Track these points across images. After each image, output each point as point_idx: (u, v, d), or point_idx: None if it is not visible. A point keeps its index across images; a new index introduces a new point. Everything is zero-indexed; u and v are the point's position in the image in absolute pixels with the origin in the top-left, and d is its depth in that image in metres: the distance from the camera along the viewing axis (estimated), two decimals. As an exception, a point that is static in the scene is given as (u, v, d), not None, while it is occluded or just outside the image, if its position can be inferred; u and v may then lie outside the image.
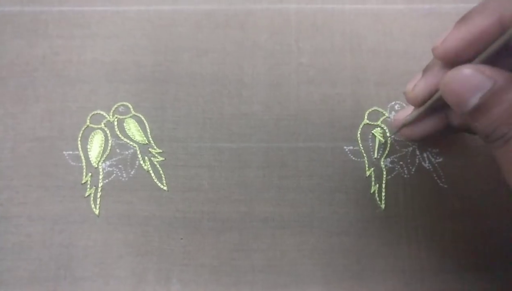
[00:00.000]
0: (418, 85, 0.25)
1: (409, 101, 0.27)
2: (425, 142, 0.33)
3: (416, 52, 0.35)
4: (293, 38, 0.35)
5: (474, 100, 0.20)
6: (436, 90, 0.24)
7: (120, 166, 0.32)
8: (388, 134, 0.33)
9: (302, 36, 0.35)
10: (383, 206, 0.32)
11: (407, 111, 0.29)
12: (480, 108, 0.21)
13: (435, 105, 0.25)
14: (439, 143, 0.33)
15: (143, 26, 0.35)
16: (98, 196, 0.31)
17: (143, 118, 0.33)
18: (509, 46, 0.20)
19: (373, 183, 0.32)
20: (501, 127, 0.20)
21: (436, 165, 0.32)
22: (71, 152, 0.32)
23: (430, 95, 0.25)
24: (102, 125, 0.33)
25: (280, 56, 0.34)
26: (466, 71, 0.21)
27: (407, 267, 0.31)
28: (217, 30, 0.35)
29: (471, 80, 0.20)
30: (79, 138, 0.32)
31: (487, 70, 0.20)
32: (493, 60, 0.21)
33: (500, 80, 0.20)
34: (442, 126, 0.28)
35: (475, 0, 0.34)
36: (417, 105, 0.27)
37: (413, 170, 0.32)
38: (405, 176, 0.32)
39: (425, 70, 0.26)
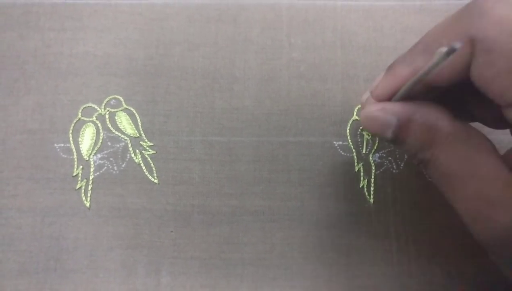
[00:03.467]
0: (379, 86, 0.26)
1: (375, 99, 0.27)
2: None
3: (406, 49, 0.34)
4: (285, 34, 0.35)
5: (388, 134, 0.23)
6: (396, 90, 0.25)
7: (111, 159, 0.32)
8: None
9: (293, 31, 0.35)
10: (372, 200, 0.32)
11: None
12: (396, 141, 0.23)
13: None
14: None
15: (135, 20, 0.35)
16: (89, 188, 0.32)
17: (134, 111, 0.33)
18: (421, 83, 0.21)
19: (362, 177, 0.32)
20: (417, 154, 0.23)
21: (424, 160, 0.33)
22: (62, 145, 0.32)
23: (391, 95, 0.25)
24: (94, 118, 0.33)
25: (272, 51, 0.34)
26: (372, 113, 0.23)
27: (396, 260, 0.31)
28: (209, 24, 0.35)
29: (379, 119, 0.23)
30: (71, 131, 0.32)
31: (390, 107, 0.23)
32: (415, 93, 0.23)
33: (402, 115, 0.22)
34: None
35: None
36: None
37: (401, 165, 0.33)
38: (394, 171, 0.33)
39: (388, 70, 0.26)
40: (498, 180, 0.20)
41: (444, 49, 0.18)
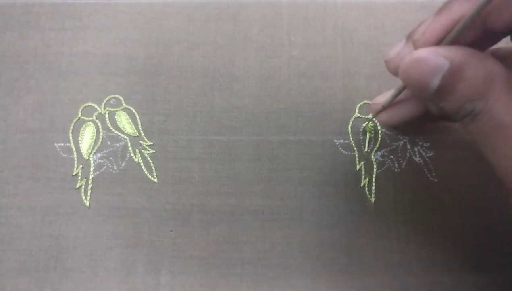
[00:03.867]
0: (401, 53, 0.24)
1: (391, 70, 0.25)
2: (408, 130, 0.32)
3: None
4: (285, 32, 0.35)
5: (435, 82, 0.21)
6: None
7: (111, 158, 0.32)
8: (379, 128, 0.33)
9: (293, 29, 0.35)
10: (373, 199, 0.32)
11: (385, 97, 0.29)
12: (443, 90, 0.21)
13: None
14: (430, 138, 0.33)
15: (135, 19, 0.35)
16: (89, 187, 0.32)
17: (134, 111, 0.33)
18: (488, 30, 0.20)
19: (363, 176, 0.32)
20: (466, 105, 0.20)
21: (426, 159, 0.32)
22: (62, 144, 0.32)
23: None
24: (94, 117, 0.33)
25: (272, 50, 0.34)
26: (421, 55, 0.21)
27: (396, 261, 0.31)
28: (209, 23, 0.35)
29: (428, 63, 0.20)
30: (71, 130, 0.33)
31: (443, 50, 0.20)
32: (466, 40, 0.21)
33: (456, 58, 0.20)
34: (419, 113, 0.27)
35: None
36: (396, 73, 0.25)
37: (403, 164, 0.32)
38: (396, 169, 0.32)
39: (409, 37, 0.25)
40: None
41: None
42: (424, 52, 0.21)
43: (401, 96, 0.27)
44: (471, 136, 0.21)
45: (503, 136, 0.20)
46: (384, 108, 0.28)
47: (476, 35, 0.21)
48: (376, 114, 0.30)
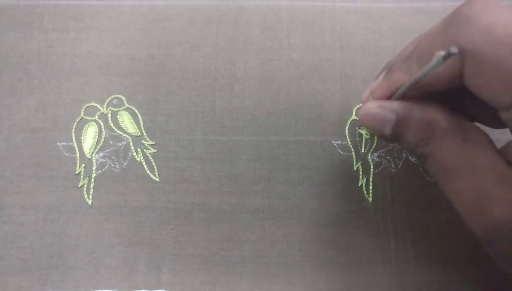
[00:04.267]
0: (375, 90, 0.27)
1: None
2: None
3: None
4: (285, 35, 0.35)
5: (387, 130, 0.24)
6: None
7: (113, 157, 0.33)
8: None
9: (293, 32, 0.35)
10: (370, 199, 0.32)
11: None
12: (394, 137, 0.24)
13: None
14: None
15: (137, 20, 0.35)
16: (91, 186, 0.32)
17: (136, 110, 0.33)
18: (417, 86, 0.22)
19: (360, 176, 0.33)
20: (416, 149, 0.23)
21: (422, 159, 0.33)
22: (65, 143, 0.33)
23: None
24: (96, 117, 0.33)
25: (272, 52, 0.35)
26: (372, 109, 0.24)
27: (394, 259, 0.31)
28: (210, 25, 0.35)
29: (378, 115, 0.24)
30: (73, 130, 0.33)
31: (389, 105, 0.23)
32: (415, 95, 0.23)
33: (401, 111, 0.23)
34: None
35: (462, -1, 0.35)
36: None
37: (399, 164, 0.33)
38: (392, 170, 0.33)
39: (380, 72, 0.27)
40: (494, 173, 0.20)
41: (441, 54, 0.18)
42: (373, 107, 0.24)
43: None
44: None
45: (450, 177, 0.22)
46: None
47: (421, 91, 0.23)
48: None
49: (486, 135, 0.22)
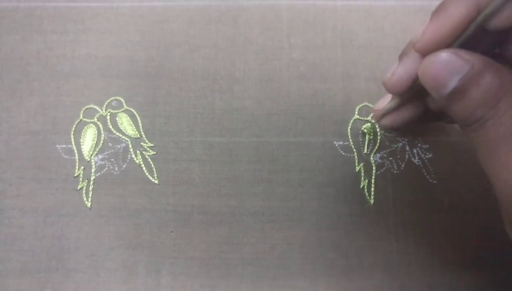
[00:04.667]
0: (396, 73, 0.25)
1: (388, 90, 0.26)
2: (407, 132, 0.33)
3: None
4: (285, 34, 0.35)
5: (452, 83, 0.21)
6: (415, 76, 0.24)
7: (112, 160, 0.33)
8: (378, 130, 0.33)
9: (293, 32, 0.35)
10: (372, 201, 0.32)
11: (386, 100, 0.29)
12: (458, 92, 0.21)
13: (414, 92, 0.25)
14: (429, 139, 0.33)
15: (136, 22, 0.35)
16: (90, 189, 0.32)
17: (135, 112, 0.33)
18: (483, 29, 0.20)
19: (362, 178, 0.32)
20: (477, 110, 0.21)
21: (425, 160, 0.32)
22: (64, 145, 0.33)
23: (409, 82, 0.25)
24: (95, 119, 0.33)
25: (272, 52, 0.34)
26: (445, 55, 0.21)
27: (395, 262, 0.31)
28: (209, 26, 0.35)
29: (450, 64, 0.21)
30: (72, 132, 0.33)
31: (465, 54, 0.21)
32: (471, 44, 0.21)
33: (477, 63, 0.21)
34: (421, 114, 0.28)
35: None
36: (397, 93, 0.26)
37: (402, 165, 0.32)
38: (395, 171, 0.32)
39: (402, 56, 0.26)
40: None
41: None
42: (447, 52, 0.21)
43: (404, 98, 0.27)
44: (473, 143, 0.22)
45: (507, 147, 0.20)
46: (386, 113, 0.29)
47: (479, 35, 0.21)
48: (379, 120, 0.30)
49: None
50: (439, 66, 0.21)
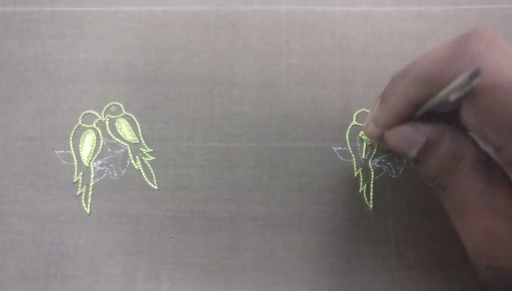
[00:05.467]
0: (369, 127, 0.27)
1: (368, 137, 0.30)
2: None
3: (404, 54, 0.35)
4: (284, 39, 0.35)
5: (413, 153, 0.23)
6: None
7: (111, 165, 0.32)
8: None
9: (292, 37, 0.35)
10: (371, 205, 0.32)
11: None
12: (419, 160, 0.23)
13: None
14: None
15: (135, 27, 0.35)
16: (89, 194, 0.32)
17: (134, 118, 0.33)
18: (441, 103, 0.21)
19: (361, 183, 0.32)
20: (437, 177, 0.22)
21: (424, 165, 0.33)
22: (62, 151, 0.32)
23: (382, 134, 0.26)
24: (94, 125, 0.33)
25: (271, 57, 0.34)
26: (402, 130, 0.23)
27: (395, 266, 0.31)
28: (208, 30, 0.35)
29: (407, 136, 0.23)
30: (71, 138, 0.33)
31: (421, 126, 0.23)
32: (429, 113, 0.23)
33: (432, 134, 0.22)
34: None
35: (463, 2, 0.35)
36: (376, 139, 0.29)
37: (401, 170, 0.33)
38: (393, 176, 0.33)
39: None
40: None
41: (467, 74, 0.18)
42: (405, 127, 0.23)
43: None
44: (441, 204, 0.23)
45: (466, 213, 0.21)
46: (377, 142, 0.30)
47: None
48: (377, 142, 0.31)
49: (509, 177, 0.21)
50: (399, 139, 0.24)
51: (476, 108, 0.19)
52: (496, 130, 0.18)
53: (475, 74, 0.17)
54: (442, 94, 0.20)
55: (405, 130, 0.23)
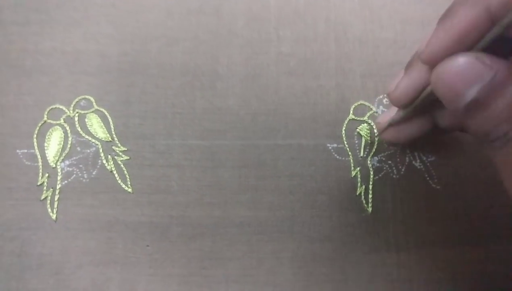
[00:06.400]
0: (401, 84, 0.23)
1: (393, 102, 0.25)
2: (411, 145, 0.30)
3: (406, 41, 0.32)
4: (273, 26, 0.33)
5: (471, 93, 0.18)
6: (422, 89, 0.22)
7: (80, 166, 0.30)
8: (375, 131, 0.30)
9: (282, 23, 0.33)
10: (370, 209, 0.29)
11: (391, 113, 0.27)
12: (477, 103, 0.18)
13: (423, 105, 0.23)
14: (432, 140, 0.30)
15: (108, 12, 0.32)
16: (56, 198, 0.29)
17: (106, 113, 0.31)
18: (505, 34, 0.18)
19: (359, 183, 0.30)
20: (501, 125, 0.18)
21: (428, 164, 0.30)
22: (25, 150, 0.30)
23: (415, 95, 0.23)
24: (61, 121, 0.31)
25: (258, 45, 0.32)
26: (463, 60, 0.18)
27: (396, 276, 0.29)
28: (189, 16, 0.33)
29: (469, 70, 0.18)
30: (35, 135, 0.30)
31: (487, 59, 0.18)
32: (490, 50, 0.18)
33: (502, 70, 0.18)
34: (429, 128, 0.26)
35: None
36: (402, 106, 0.25)
37: (402, 169, 0.30)
38: (394, 176, 0.30)
39: (408, 67, 0.24)
40: None
41: None
42: (466, 57, 0.18)
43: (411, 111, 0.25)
44: (495, 162, 0.19)
45: None
46: (391, 125, 0.27)
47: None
48: (382, 132, 0.28)
49: None
50: (456, 73, 0.19)
51: None
52: None
53: None
54: (507, 20, 0.17)
55: (468, 61, 0.18)
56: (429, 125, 0.26)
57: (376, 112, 0.31)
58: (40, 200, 0.29)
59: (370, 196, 0.30)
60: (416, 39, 0.32)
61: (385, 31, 0.32)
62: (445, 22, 0.20)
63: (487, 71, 0.18)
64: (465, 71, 0.18)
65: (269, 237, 0.29)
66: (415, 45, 0.32)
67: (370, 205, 0.29)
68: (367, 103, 0.31)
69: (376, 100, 0.31)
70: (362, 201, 0.30)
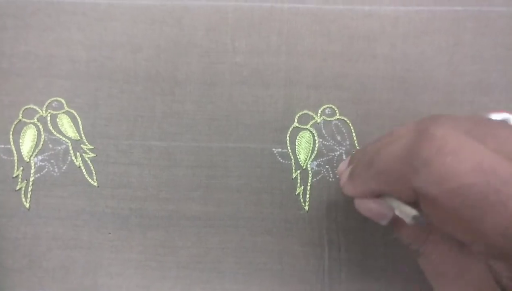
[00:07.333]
0: (342, 179, 0.27)
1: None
2: (345, 141, 0.33)
3: (353, 54, 0.34)
4: (229, 37, 0.34)
5: (384, 223, 0.23)
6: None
7: (52, 161, 0.33)
8: (316, 138, 0.33)
9: (238, 34, 0.34)
10: (306, 207, 0.32)
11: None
12: (392, 227, 0.24)
13: None
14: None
15: (78, 20, 0.34)
16: (29, 189, 0.32)
17: (76, 114, 0.33)
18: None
19: (298, 184, 0.33)
20: (412, 244, 0.23)
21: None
22: (2, 146, 0.33)
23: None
24: (35, 120, 0.33)
25: (216, 55, 0.34)
26: (370, 203, 0.24)
27: (327, 268, 0.32)
28: (153, 26, 0.34)
29: (376, 210, 0.23)
30: (11, 133, 0.33)
31: (388, 200, 0.22)
32: None
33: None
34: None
35: (413, 3, 0.34)
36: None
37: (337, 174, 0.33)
38: (330, 179, 0.33)
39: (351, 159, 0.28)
40: (486, 289, 0.20)
41: (411, 215, 0.19)
42: (371, 202, 0.23)
43: None
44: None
45: (441, 280, 0.22)
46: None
47: None
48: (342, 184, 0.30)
49: None
50: (367, 211, 0.24)
51: (435, 212, 0.19)
52: (459, 232, 0.19)
53: (415, 219, 0.19)
54: (397, 212, 0.21)
55: (373, 205, 0.23)
56: None
57: (318, 122, 0.34)
58: (15, 191, 0.32)
59: (307, 196, 0.33)
60: (361, 52, 0.34)
61: (334, 44, 0.34)
62: (350, 179, 0.25)
63: (388, 211, 0.22)
64: (372, 211, 0.23)
65: (216, 230, 0.32)
66: (360, 58, 0.34)
67: (307, 204, 0.33)
68: (310, 113, 0.33)
69: (320, 110, 0.33)
70: (300, 200, 0.33)
